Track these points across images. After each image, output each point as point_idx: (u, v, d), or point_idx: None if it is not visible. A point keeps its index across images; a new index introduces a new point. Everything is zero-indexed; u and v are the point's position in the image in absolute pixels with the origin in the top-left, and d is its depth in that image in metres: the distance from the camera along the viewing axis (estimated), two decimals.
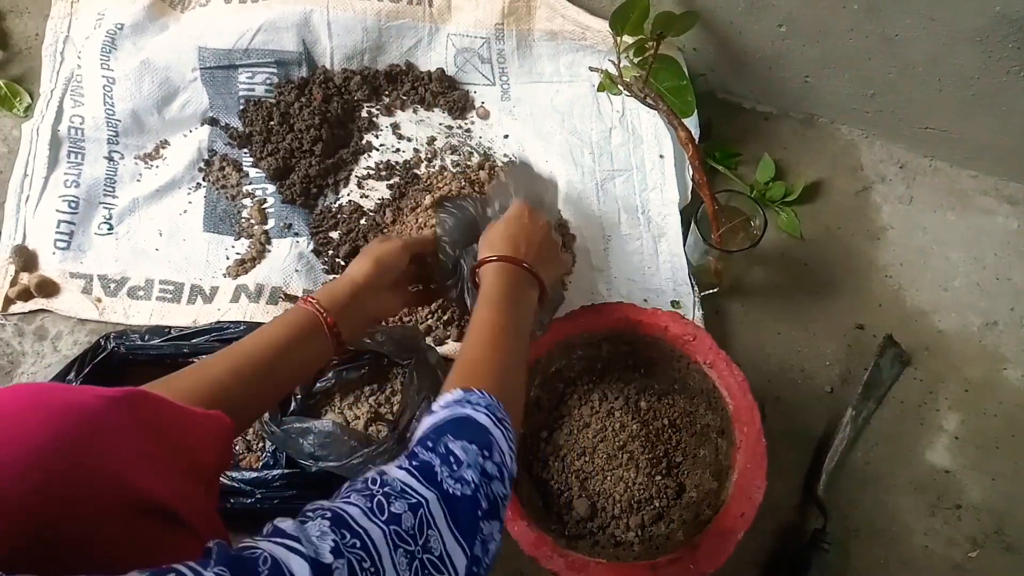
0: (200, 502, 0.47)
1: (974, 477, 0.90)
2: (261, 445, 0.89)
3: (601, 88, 1.00)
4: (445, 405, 0.55)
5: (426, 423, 0.55)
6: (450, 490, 0.48)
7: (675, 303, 0.95)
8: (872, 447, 0.92)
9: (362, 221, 1.01)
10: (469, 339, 0.66)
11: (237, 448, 0.90)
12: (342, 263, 0.99)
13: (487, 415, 0.54)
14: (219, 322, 0.91)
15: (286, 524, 0.42)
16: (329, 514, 0.43)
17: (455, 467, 0.49)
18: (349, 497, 0.45)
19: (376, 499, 0.45)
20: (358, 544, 0.41)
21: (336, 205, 1.03)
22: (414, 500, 0.46)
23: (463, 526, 0.47)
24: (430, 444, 0.51)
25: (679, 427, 0.87)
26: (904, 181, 1.07)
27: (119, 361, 0.87)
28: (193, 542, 0.41)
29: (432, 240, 0.81)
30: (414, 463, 0.49)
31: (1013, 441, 0.92)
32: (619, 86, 0.93)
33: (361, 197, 1.04)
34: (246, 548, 0.38)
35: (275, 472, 0.82)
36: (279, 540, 0.40)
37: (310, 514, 0.43)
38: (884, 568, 0.86)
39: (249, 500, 0.81)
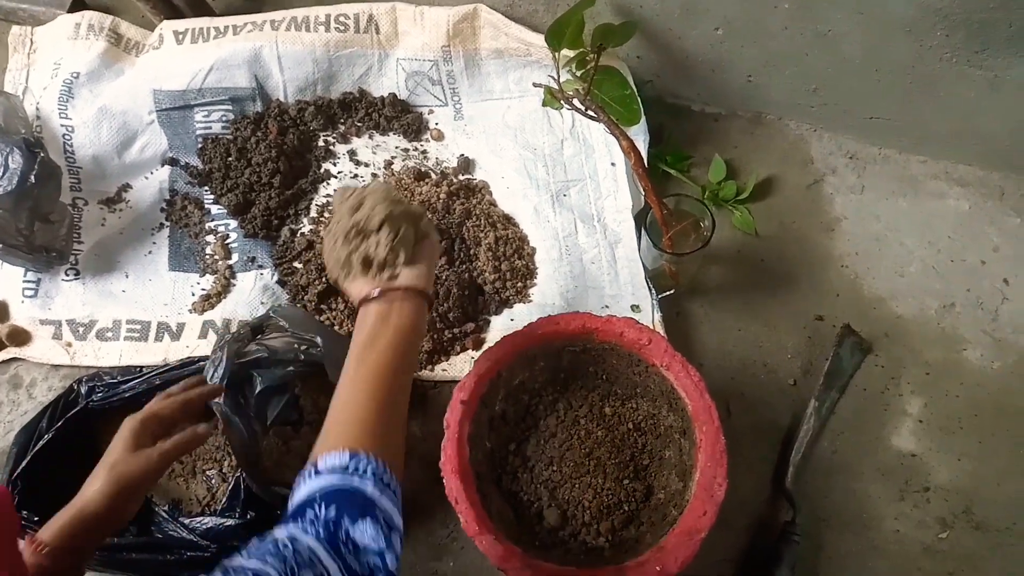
0: None
1: (940, 459, 0.91)
2: (224, 488, 0.86)
3: (545, 103, 1.01)
4: (332, 470, 0.57)
5: (315, 484, 0.57)
6: (352, 565, 0.54)
7: (635, 307, 0.97)
8: (838, 436, 0.93)
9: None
10: (357, 384, 0.63)
11: (197, 489, 0.88)
12: (303, 290, 1.00)
13: (374, 484, 0.57)
14: (189, 358, 0.91)
15: None
16: (251, 573, 0.49)
17: (356, 549, 0.54)
18: (265, 559, 0.50)
19: (288, 564, 0.51)
20: None
21: (298, 235, 1.05)
22: (319, 570, 0.52)
23: None
24: (332, 519, 0.54)
25: (644, 430, 0.88)
26: (855, 171, 1.08)
27: (93, 404, 0.88)
28: None
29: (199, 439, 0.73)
30: (323, 534, 0.54)
31: (976, 420, 0.92)
32: (561, 100, 0.95)
33: (322, 226, 1.06)
34: None
35: (231, 522, 0.78)
36: None
37: (232, 572, 0.48)
38: (856, 555, 0.87)
39: (206, 554, 0.78)
